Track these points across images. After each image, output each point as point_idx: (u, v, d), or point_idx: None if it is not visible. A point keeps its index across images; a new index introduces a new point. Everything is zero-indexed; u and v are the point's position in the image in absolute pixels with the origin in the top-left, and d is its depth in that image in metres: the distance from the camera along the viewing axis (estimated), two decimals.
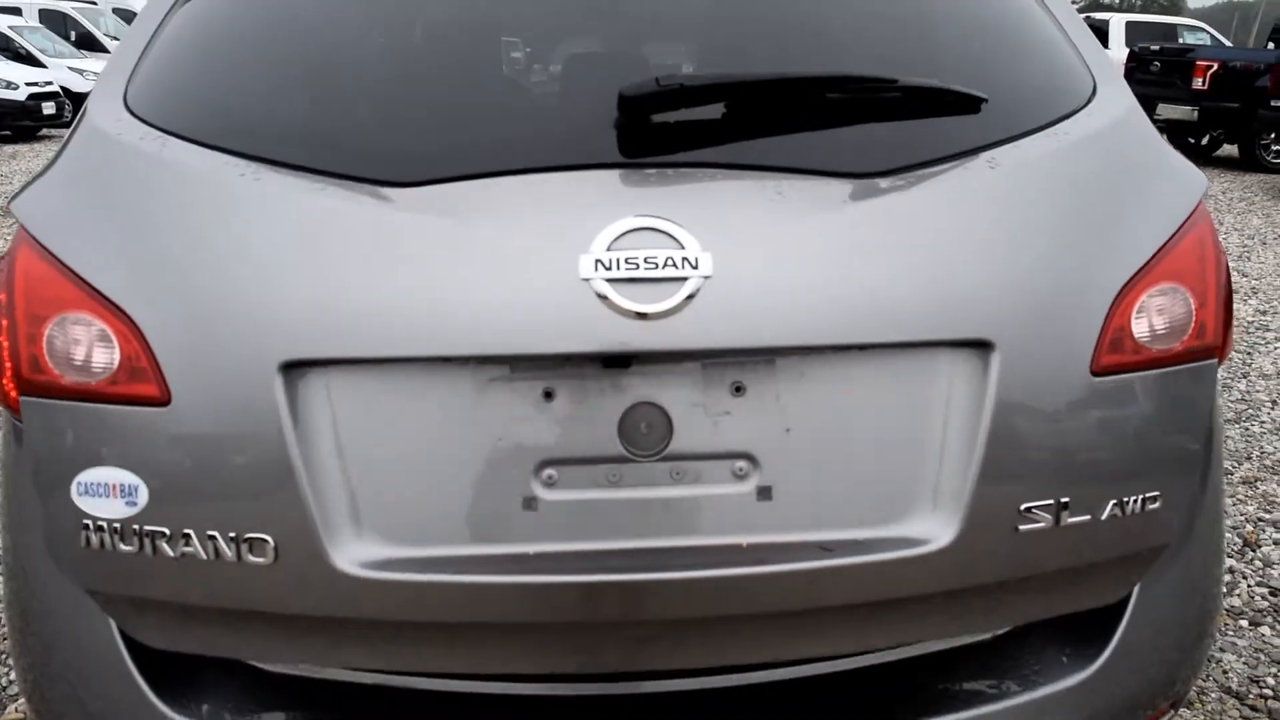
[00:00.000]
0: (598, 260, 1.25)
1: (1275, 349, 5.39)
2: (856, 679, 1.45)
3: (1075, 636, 1.48)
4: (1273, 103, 10.74)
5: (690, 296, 1.25)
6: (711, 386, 1.32)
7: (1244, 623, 2.87)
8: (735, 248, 1.28)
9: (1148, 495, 1.40)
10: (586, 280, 1.25)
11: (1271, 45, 12.90)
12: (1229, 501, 3.61)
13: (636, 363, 1.30)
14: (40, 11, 20.01)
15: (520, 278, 1.26)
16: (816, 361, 1.32)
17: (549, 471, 1.31)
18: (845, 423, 1.33)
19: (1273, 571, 3.14)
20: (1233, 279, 6.86)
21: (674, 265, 1.25)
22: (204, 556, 1.28)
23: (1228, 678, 2.63)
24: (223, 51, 1.53)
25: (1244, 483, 3.77)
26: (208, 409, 1.26)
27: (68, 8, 20.54)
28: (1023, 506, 1.33)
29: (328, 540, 1.27)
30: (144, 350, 1.27)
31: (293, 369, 1.26)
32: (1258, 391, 4.74)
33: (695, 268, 1.25)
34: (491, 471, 1.30)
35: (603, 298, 1.25)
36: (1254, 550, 3.28)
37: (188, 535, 1.29)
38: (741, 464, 1.33)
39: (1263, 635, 2.81)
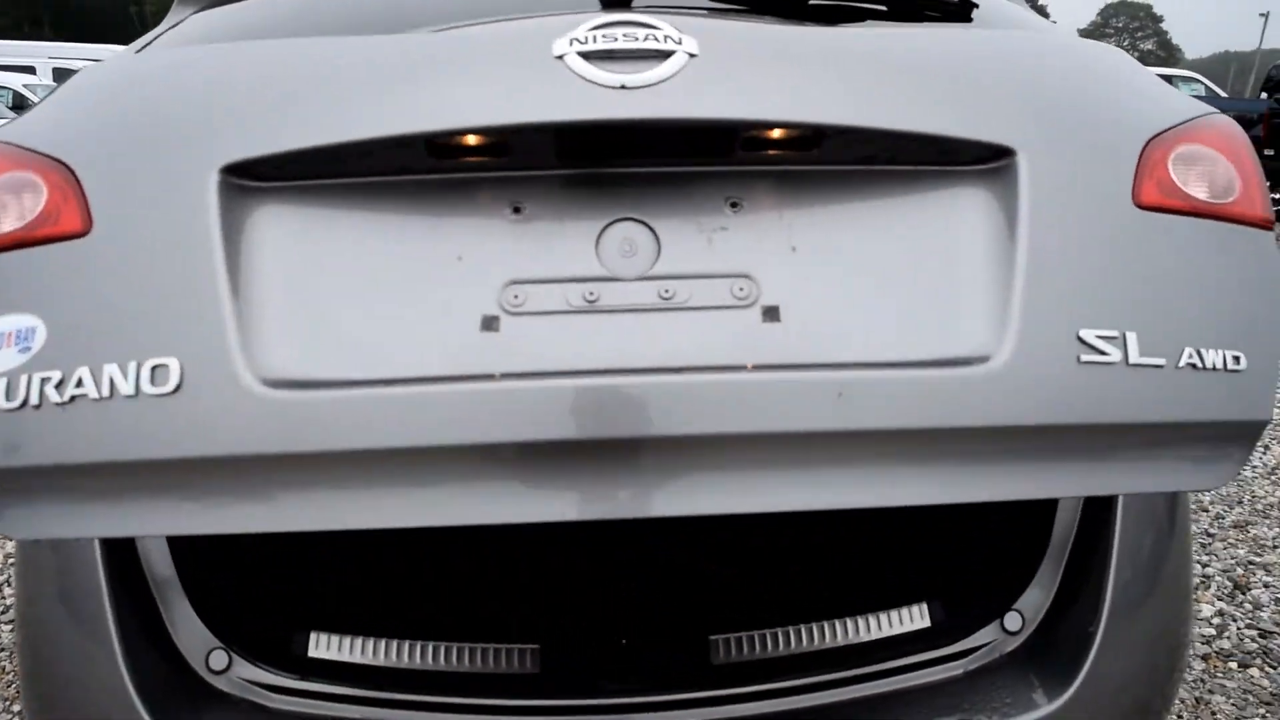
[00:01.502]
0: (573, 38, 1.16)
1: None
2: (827, 715, 1.51)
3: (1045, 667, 1.54)
4: (1265, 151, 10.89)
5: (676, 72, 1.15)
6: (704, 200, 1.22)
7: (1233, 664, 2.92)
8: (721, 31, 1.20)
9: (1230, 353, 1.25)
10: (560, 57, 1.15)
11: (1264, 95, 13.09)
12: (1220, 545, 3.66)
13: (617, 160, 1.20)
14: (54, 70, 20.46)
15: (488, 57, 1.16)
16: (822, 177, 1.23)
17: (514, 291, 1.18)
18: (860, 240, 1.22)
19: (1262, 614, 3.19)
20: None
21: (656, 40, 1.17)
22: (119, 392, 1.11)
23: (1216, 719, 2.68)
24: None
25: (1235, 527, 3.83)
26: (131, 228, 1.14)
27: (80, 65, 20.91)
28: (1082, 333, 1.20)
29: (249, 362, 1.12)
30: (69, 183, 1.17)
31: (231, 177, 1.16)
32: None
33: (679, 44, 1.17)
34: (446, 291, 1.18)
35: (579, 73, 1.15)
36: (1244, 593, 3.33)
37: (91, 375, 1.12)
38: (742, 284, 1.20)
39: (1251, 677, 2.86)
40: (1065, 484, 1.26)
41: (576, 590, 1.70)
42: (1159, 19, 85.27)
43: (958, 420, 1.17)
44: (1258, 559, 3.57)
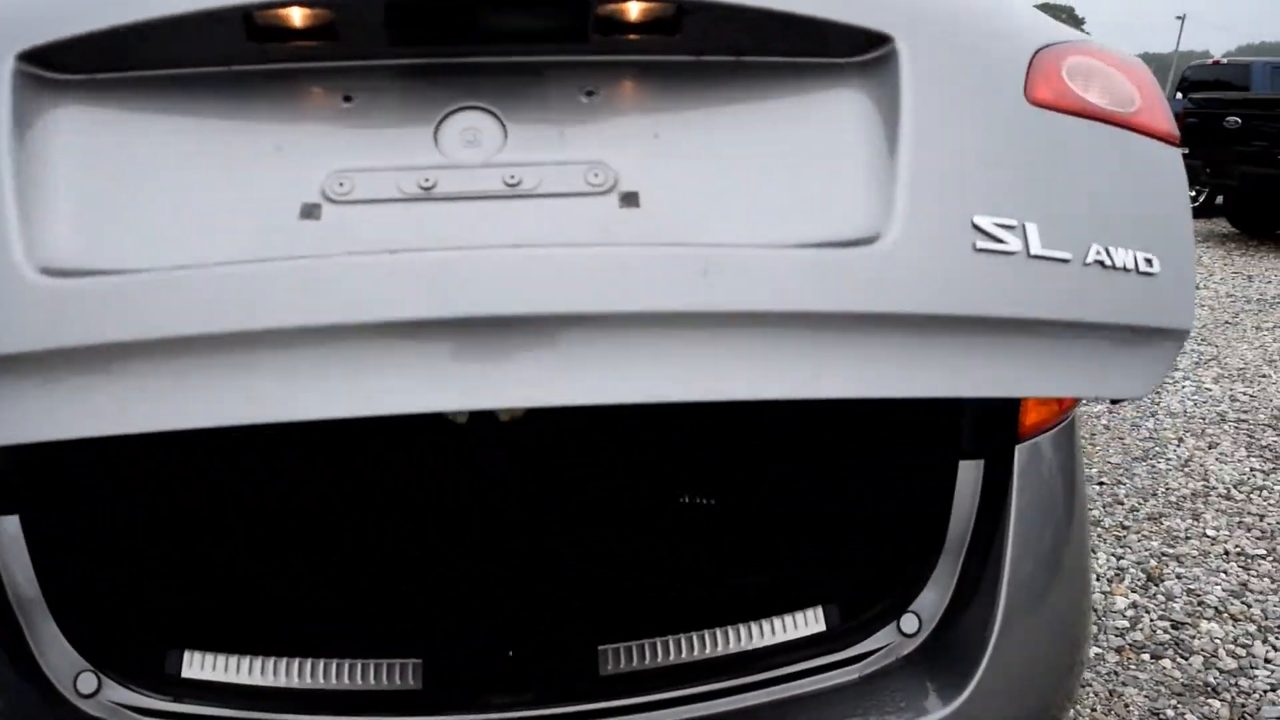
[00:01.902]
0: None
1: (1183, 388, 5.57)
2: None
3: (942, 669, 1.51)
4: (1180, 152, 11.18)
5: None
6: (558, 90, 1.13)
7: (1146, 656, 2.94)
8: None
9: (1142, 255, 1.19)
10: None
11: (1180, 96, 13.47)
12: (1134, 538, 3.70)
13: (460, 47, 1.11)
14: None
15: None
16: (689, 71, 1.15)
17: (340, 179, 1.08)
18: (733, 130, 1.14)
19: (1175, 605, 3.23)
20: None
21: None
22: None
23: (1129, 711, 2.69)
24: None
25: (1149, 519, 3.88)
26: None
27: None
28: (977, 219, 1.13)
29: (29, 251, 1.02)
30: None
31: (28, 66, 1.07)
32: (1164, 430, 4.89)
33: None
34: (261, 181, 1.08)
35: None
36: (1157, 585, 3.36)
37: None
38: (598, 170, 1.10)
39: (1164, 668, 2.88)
40: (968, 382, 1.17)
41: (460, 601, 1.63)
42: (1081, 20, 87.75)
43: (840, 304, 1.08)
44: (1170, 550, 3.61)
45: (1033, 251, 1.16)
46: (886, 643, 1.53)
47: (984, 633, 1.52)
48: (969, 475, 1.58)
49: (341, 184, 1.09)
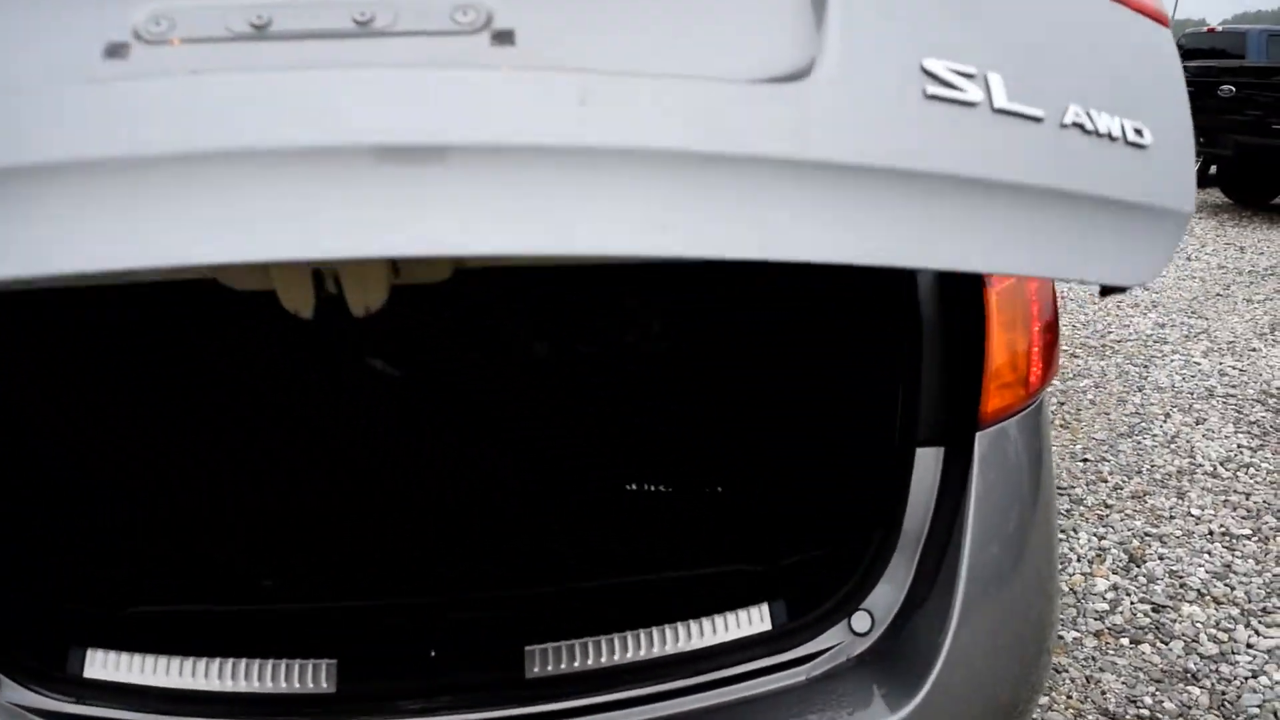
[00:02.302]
0: None
1: (1171, 362, 5.47)
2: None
3: (896, 669, 1.41)
4: None
5: None
6: None
7: (1125, 641, 2.86)
8: None
9: (1130, 124, 1.06)
10: None
11: None
12: (1117, 517, 3.61)
13: None
14: None
15: None
16: None
17: (157, 17, 0.93)
18: None
19: (1156, 588, 3.14)
20: (1136, 292, 7.01)
21: None
22: None
23: (1105, 698, 2.60)
24: None
25: (1133, 497, 3.79)
26: None
27: None
28: (926, 62, 0.98)
29: None
30: None
31: None
32: (1152, 405, 4.79)
33: None
34: (68, 19, 0.93)
35: None
36: (1139, 566, 3.27)
37: None
38: (466, 9, 0.97)
39: (1143, 654, 2.79)
40: (924, 251, 1.01)
41: (379, 598, 1.53)
42: None
43: (754, 147, 0.92)
44: (1154, 530, 3.52)
45: (997, 105, 1.00)
46: (837, 642, 1.43)
47: (941, 630, 1.43)
48: (927, 464, 1.48)
49: (158, 23, 0.92)
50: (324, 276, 1.06)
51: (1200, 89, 10.52)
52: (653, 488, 1.89)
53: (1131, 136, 1.04)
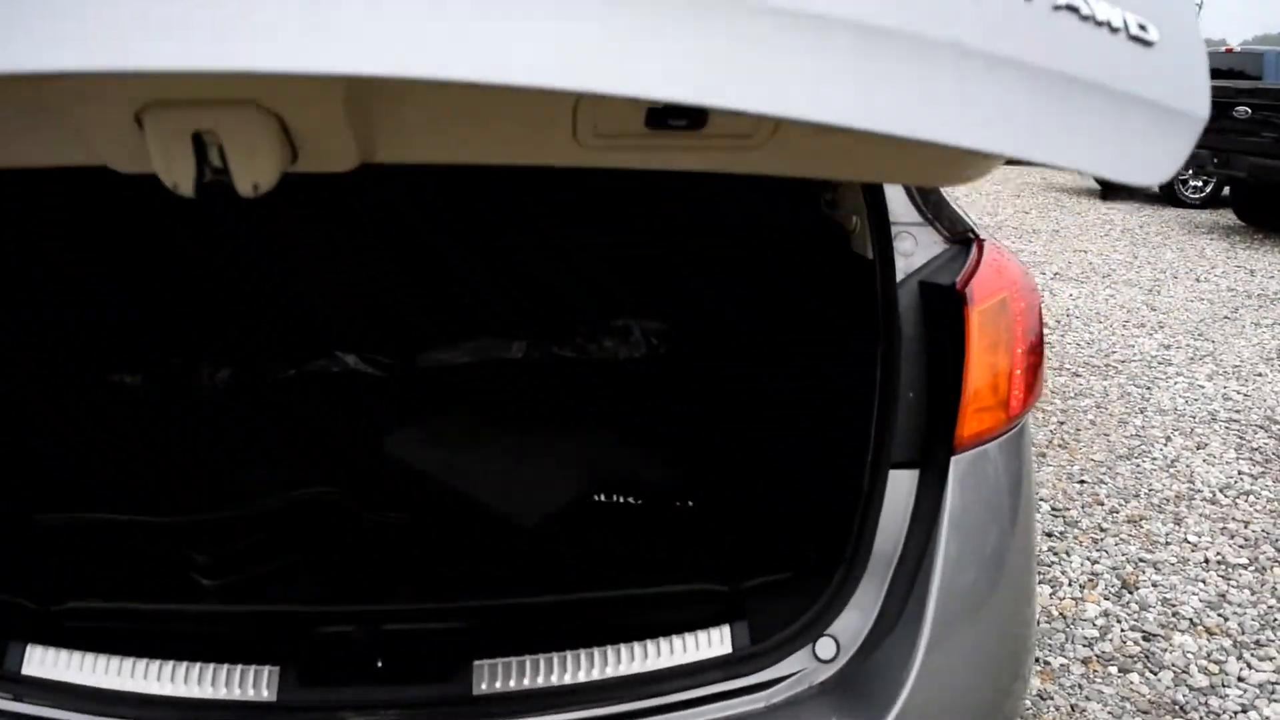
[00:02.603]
0: None
1: (1175, 384, 5.40)
2: None
3: (860, 698, 1.36)
4: None
5: None
6: None
7: (1113, 669, 2.79)
8: None
9: (1134, 18, 0.98)
10: None
11: None
12: (1112, 541, 3.55)
13: None
14: None
15: None
16: None
17: None
18: None
19: (1148, 615, 3.08)
20: (1142, 313, 6.93)
21: None
22: None
23: None
24: None
25: (1129, 521, 3.72)
26: None
27: None
28: None
29: None
30: None
31: None
32: (1153, 427, 4.72)
33: None
34: None
35: None
36: (1131, 593, 3.21)
37: None
38: None
39: (1131, 683, 2.73)
40: (913, 118, 0.89)
41: (326, 603, 1.48)
42: None
43: None
44: (1149, 556, 3.46)
45: None
46: (799, 668, 1.38)
47: (909, 660, 1.37)
48: (901, 487, 1.42)
49: None
50: (206, 147, 0.85)
51: (1215, 109, 10.39)
52: (621, 499, 1.84)
53: (1135, 30, 0.97)
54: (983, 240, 1.56)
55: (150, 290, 2.49)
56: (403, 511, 1.73)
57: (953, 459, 1.38)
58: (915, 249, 1.54)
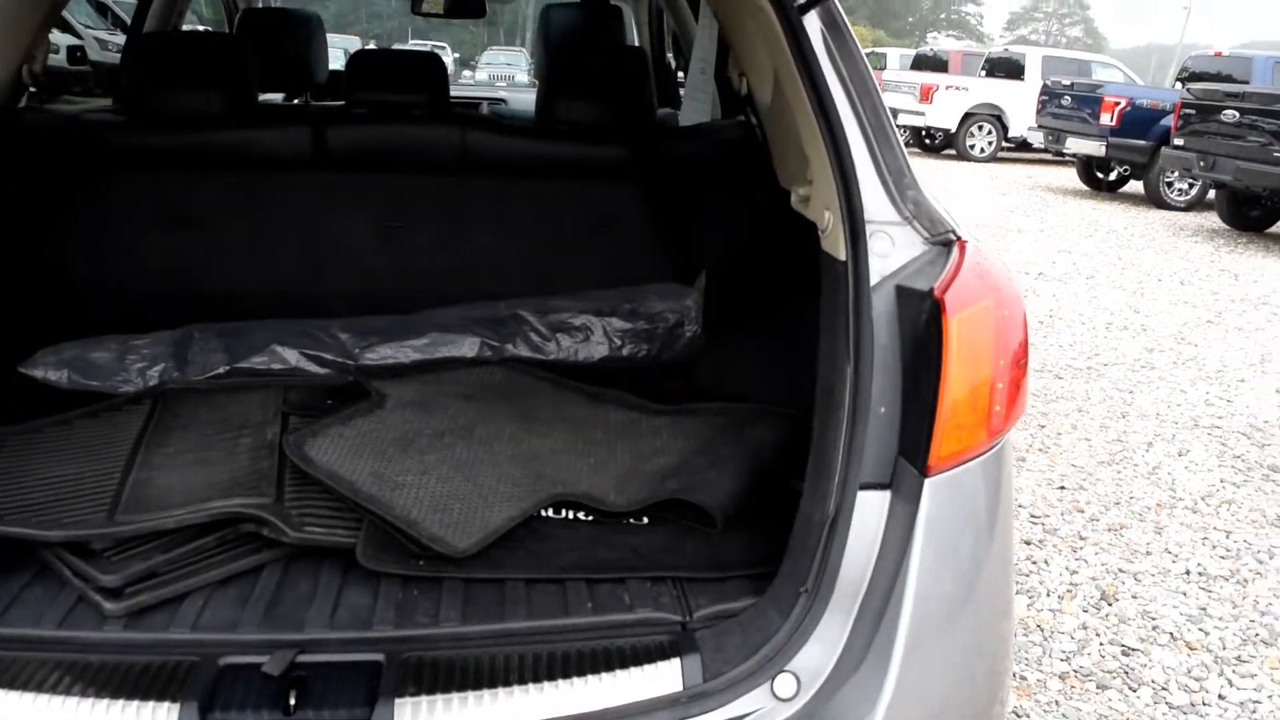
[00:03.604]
0: None
1: (1158, 389, 5.33)
2: None
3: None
4: (1175, 142, 10.90)
5: None
6: None
7: (1091, 685, 2.70)
8: None
9: None
10: None
11: (1178, 85, 13.14)
12: (1091, 550, 3.46)
13: None
14: None
15: None
16: None
17: None
18: None
19: (1127, 629, 2.99)
20: (1126, 315, 6.86)
21: None
22: None
23: None
24: None
25: (1109, 530, 3.64)
26: None
27: None
28: None
29: None
30: None
31: None
32: (1134, 433, 4.65)
33: None
34: None
35: None
36: (1111, 604, 3.12)
37: None
38: None
39: (1109, 701, 2.64)
40: None
41: (237, 631, 1.36)
42: (1087, 6, 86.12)
43: None
44: (1129, 566, 3.37)
45: None
46: (756, 708, 1.27)
47: (876, 699, 1.26)
48: (871, 510, 1.31)
49: None
50: None
51: (1202, 113, 10.38)
52: (568, 515, 1.72)
53: None
54: (965, 242, 1.45)
55: (63, 277, 2.41)
56: (330, 529, 1.60)
57: (927, 481, 1.27)
58: (892, 249, 1.43)
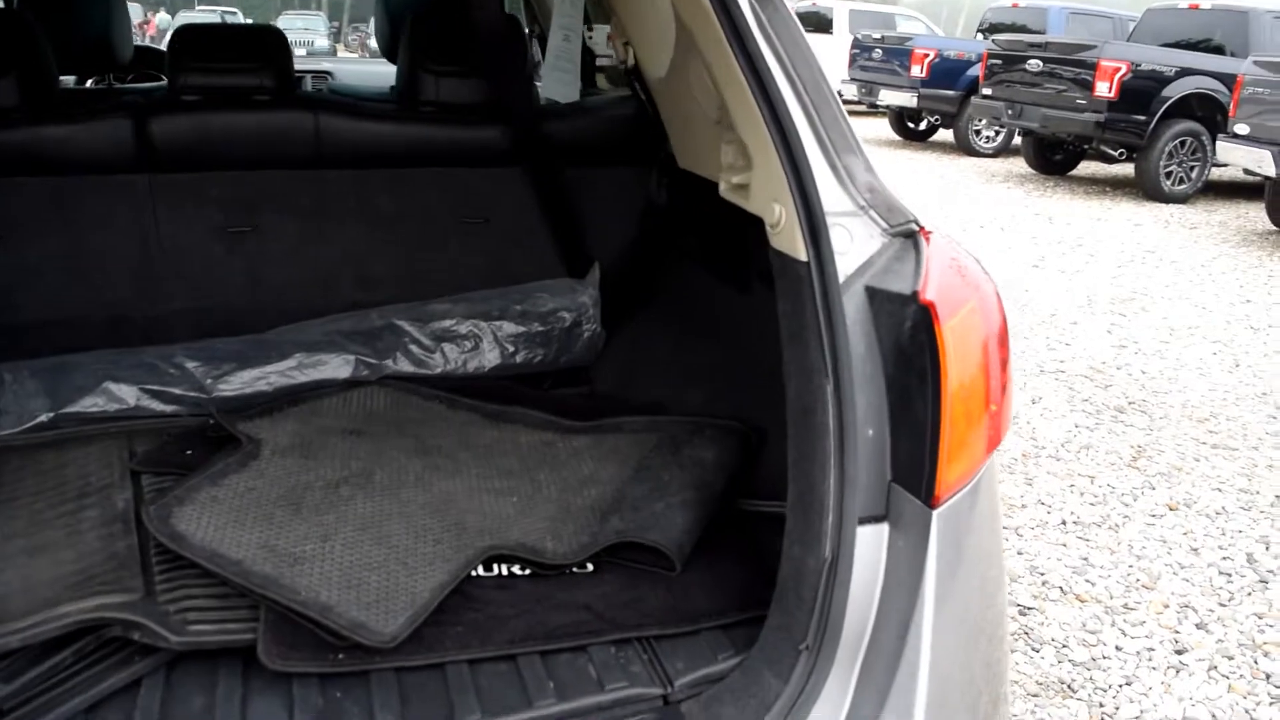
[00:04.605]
0: None
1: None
2: None
3: None
4: (984, 91, 11.38)
5: None
6: None
7: None
8: None
9: None
10: None
11: (980, 36, 13.73)
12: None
13: None
14: None
15: None
16: None
17: None
18: None
19: (1019, 586, 3.03)
20: None
21: None
22: None
23: None
24: None
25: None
26: None
27: None
28: None
29: None
30: None
31: None
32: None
33: None
34: None
35: None
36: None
37: None
38: None
39: (1016, 664, 2.66)
40: None
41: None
42: None
43: None
44: (1009, 521, 3.44)
45: None
46: None
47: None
48: (869, 547, 1.18)
49: None
50: None
51: (1008, 62, 10.86)
52: (502, 570, 1.51)
53: None
54: (929, 232, 1.32)
55: None
56: (220, 624, 1.33)
57: (935, 513, 1.15)
58: (850, 244, 1.28)
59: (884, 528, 1.19)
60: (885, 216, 1.30)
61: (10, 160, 2.17)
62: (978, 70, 11.81)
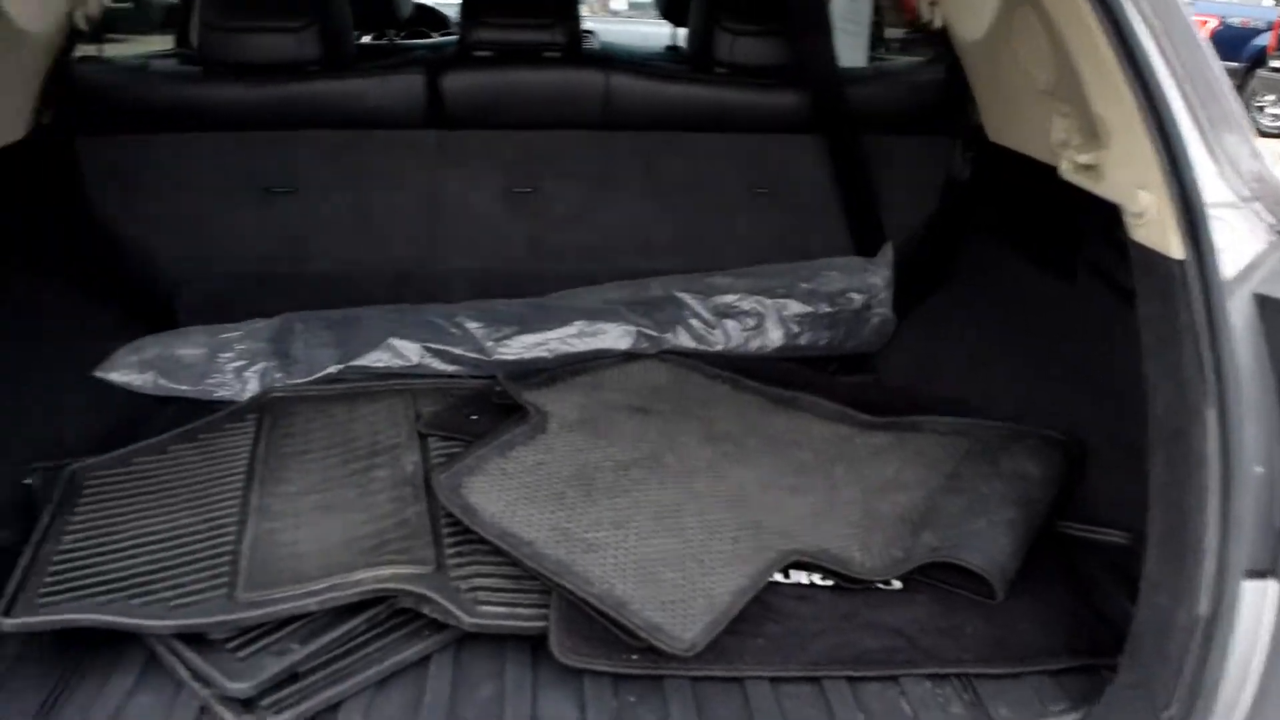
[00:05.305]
0: None
1: None
2: None
3: None
4: (1272, 64, 10.28)
5: None
6: None
7: None
8: None
9: None
10: None
11: (1273, 2, 12.33)
12: None
13: None
14: None
15: None
16: None
17: None
18: None
19: None
20: None
21: None
22: None
23: None
24: None
25: None
26: None
27: None
28: None
29: None
30: None
31: None
32: None
33: None
34: None
35: None
36: None
37: None
38: None
39: None
40: None
41: None
42: None
43: None
44: None
45: None
46: None
47: None
48: (1254, 606, 1.01)
49: None
50: None
51: None
52: (804, 577, 1.37)
53: None
54: None
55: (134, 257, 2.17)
56: (511, 606, 1.28)
57: None
58: (1232, 242, 1.09)
59: (1271, 584, 1.02)
60: (1274, 210, 1.11)
61: (306, 112, 2.22)
62: (1266, 39, 10.60)
